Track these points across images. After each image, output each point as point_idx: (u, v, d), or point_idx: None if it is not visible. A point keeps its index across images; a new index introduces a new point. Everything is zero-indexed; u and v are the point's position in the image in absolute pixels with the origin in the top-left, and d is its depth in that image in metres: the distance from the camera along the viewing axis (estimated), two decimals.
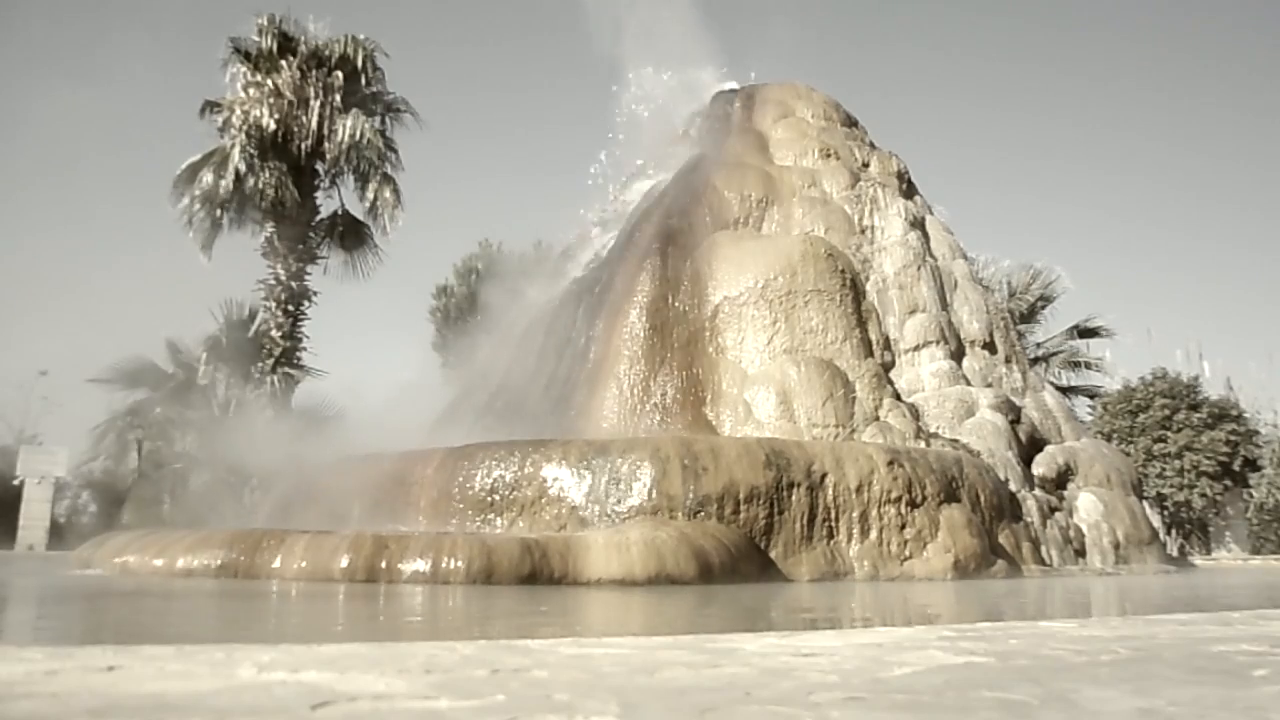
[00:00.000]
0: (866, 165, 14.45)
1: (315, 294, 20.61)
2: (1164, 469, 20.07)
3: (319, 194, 20.95)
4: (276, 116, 19.50)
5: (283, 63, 20.02)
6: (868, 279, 12.66)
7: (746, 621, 4.36)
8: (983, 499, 9.21)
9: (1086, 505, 11.15)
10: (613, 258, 13.34)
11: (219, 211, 19.64)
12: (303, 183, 20.14)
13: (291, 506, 9.99)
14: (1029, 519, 10.29)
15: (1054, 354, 24.87)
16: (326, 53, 20.55)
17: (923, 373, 12.03)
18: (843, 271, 12.17)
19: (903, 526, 8.30)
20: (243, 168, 19.28)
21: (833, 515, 8.12)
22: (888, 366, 11.91)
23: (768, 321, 11.56)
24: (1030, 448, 11.61)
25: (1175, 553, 18.70)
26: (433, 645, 1.79)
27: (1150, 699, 1.35)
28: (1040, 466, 11.34)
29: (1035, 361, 22.27)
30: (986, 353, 12.88)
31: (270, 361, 19.37)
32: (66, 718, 1.08)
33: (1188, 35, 71.50)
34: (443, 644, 1.80)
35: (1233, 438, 20.01)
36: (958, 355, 12.52)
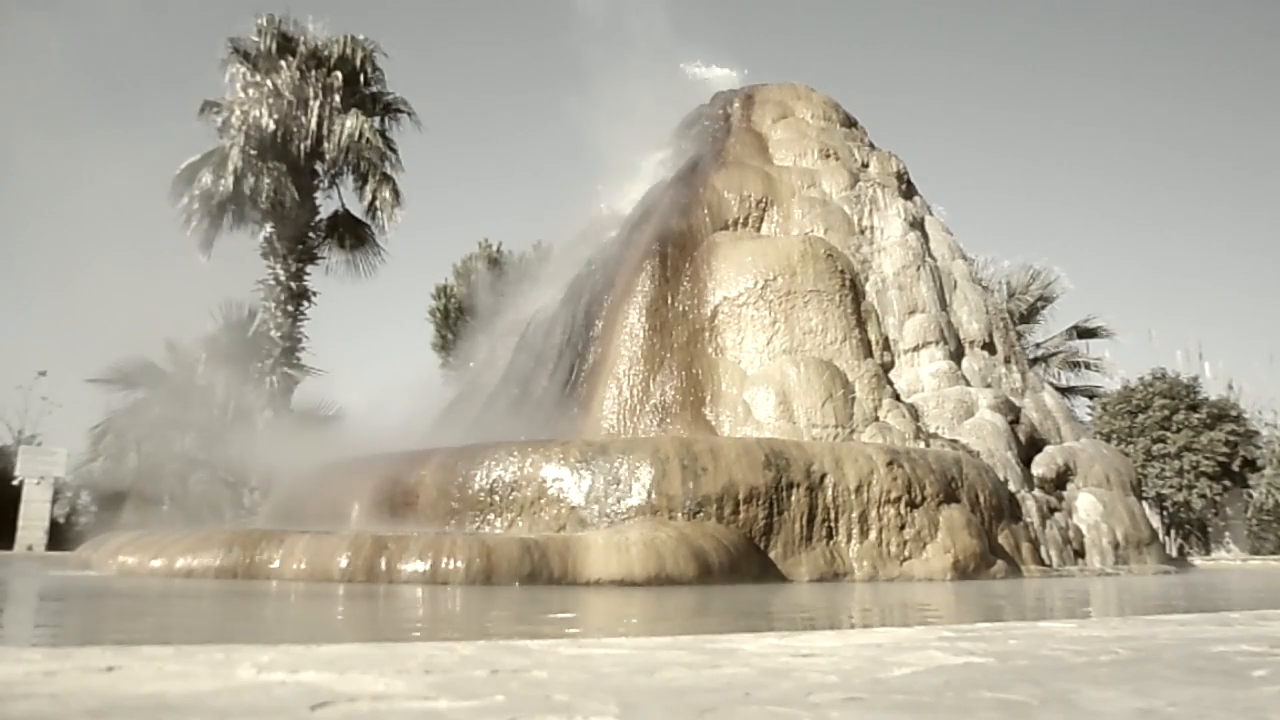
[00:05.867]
0: (866, 165, 14.45)
1: (315, 294, 20.64)
2: (1163, 469, 20.08)
3: (318, 194, 20.98)
4: (276, 117, 19.52)
5: (282, 63, 20.03)
6: (867, 279, 12.66)
7: (746, 622, 4.35)
8: (982, 499, 9.21)
9: (1086, 506, 11.15)
10: (612, 258, 13.34)
11: (218, 212, 19.66)
12: (302, 183, 20.15)
13: (291, 507, 9.99)
14: (1028, 519, 10.30)
15: (1053, 354, 24.87)
16: (326, 53, 20.57)
17: (922, 373, 12.03)
18: (842, 272, 12.17)
19: (902, 527, 8.30)
20: (242, 168, 19.29)
21: (832, 516, 8.12)
22: (887, 367, 11.91)
23: (767, 322, 11.56)
24: (1030, 448, 11.61)
25: (1174, 553, 18.72)
26: (432, 645, 1.79)
27: (1150, 699, 1.35)
28: (1040, 467, 11.34)
29: (1035, 362, 22.28)
30: (986, 353, 12.88)
31: (269, 361, 19.39)
32: (65, 718, 1.08)
33: (1187, 35, 71.56)
34: (442, 644, 1.80)
35: (1232, 438, 20.03)
36: (957, 356, 12.52)
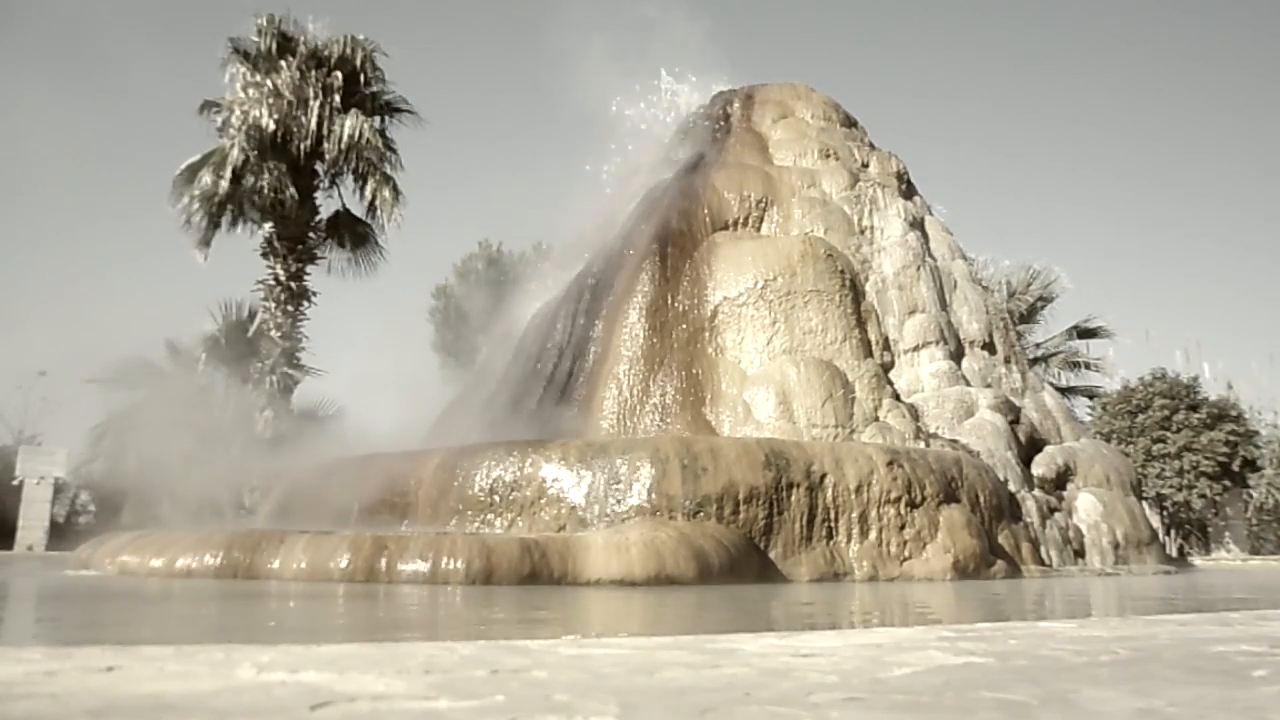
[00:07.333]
0: (866, 165, 14.45)
1: (315, 294, 20.62)
2: (1163, 469, 20.08)
3: (318, 194, 20.95)
4: (276, 116, 19.50)
5: (282, 63, 20.01)
6: (867, 279, 12.66)
7: (746, 622, 4.35)
8: (982, 499, 9.21)
9: (1086, 506, 11.15)
10: (612, 258, 13.34)
11: (218, 211, 19.65)
12: (302, 183, 20.13)
13: (290, 507, 9.99)
14: (1028, 519, 10.30)
15: (1053, 354, 24.88)
16: (326, 53, 20.55)
17: (922, 373, 12.03)
18: (842, 272, 12.17)
19: (902, 527, 8.30)
20: (242, 168, 19.28)
21: (832, 516, 8.12)
22: (887, 367, 11.91)
23: (767, 322, 11.56)
24: (1030, 448, 11.61)
25: (1174, 553, 18.71)
26: (432, 645, 1.79)
27: (1150, 699, 1.35)
28: (1040, 467, 11.34)
29: (1035, 362, 22.28)
30: (986, 353, 12.88)
31: (269, 361, 19.37)
32: (66, 718, 1.08)
33: (1187, 35, 71.53)
34: (442, 644, 1.80)
35: (1232, 438, 20.02)
36: (957, 356, 12.52)
